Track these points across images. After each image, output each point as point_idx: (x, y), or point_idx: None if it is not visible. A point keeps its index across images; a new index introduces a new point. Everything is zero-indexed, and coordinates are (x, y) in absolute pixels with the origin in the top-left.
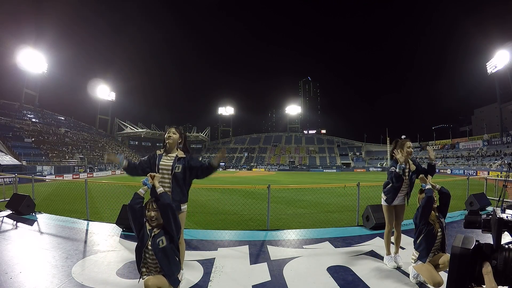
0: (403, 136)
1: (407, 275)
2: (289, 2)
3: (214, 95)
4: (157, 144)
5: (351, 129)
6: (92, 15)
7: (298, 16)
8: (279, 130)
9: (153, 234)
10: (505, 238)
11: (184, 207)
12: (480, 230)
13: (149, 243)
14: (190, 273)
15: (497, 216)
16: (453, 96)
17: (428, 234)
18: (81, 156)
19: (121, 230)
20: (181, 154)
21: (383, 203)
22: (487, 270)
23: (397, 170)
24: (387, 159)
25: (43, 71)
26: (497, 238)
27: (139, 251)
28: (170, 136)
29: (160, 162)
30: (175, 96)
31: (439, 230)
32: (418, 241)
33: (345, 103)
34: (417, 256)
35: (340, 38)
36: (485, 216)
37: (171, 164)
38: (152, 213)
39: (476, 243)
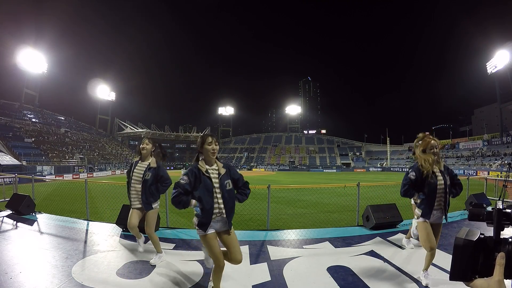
0: (427, 133)
1: (408, 275)
2: (289, 2)
3: (214, 95)
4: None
5: (351, 129)
6: (92, 15)
7: (298, 15)
8: (279, 130)
9: (220, 174)
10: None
11: (155, 205)
12: (485, 223)
13: (217, 183)
14: (190, 273)
15: (497, 207)
16: (453, 96)
17: (429, 190)
18: (81, 156)
19: (121, 230)
20: (153, 162)
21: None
22: (500, 261)
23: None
24: (387, 159)
25: (43, 71)
26: (497, 230)
27: (210, 199)
28: (144, 147)
29: (135, 170)
30: (175, 96)
31: (441, 184)
32: (419, 201)
33: (345, 103)
34: (420, 213)
35: (340, 38)
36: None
37: (143, 172)
38: (215, 146)
39: (481, 235)
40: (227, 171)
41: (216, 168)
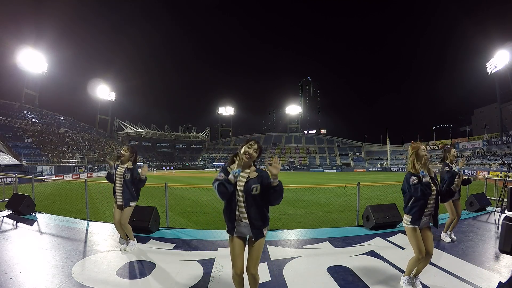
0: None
1: None
2: (289, 2)
3: (214, 95)
4: (157, 144)
5: (351, 129)
6: (92, 15)
7: (298, 16)
8: (279, 130)
9: (248, 178)
10: None
11: (133, 203)
12: None
13: (241, 188)
14: (190, 273)
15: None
16: (453, 96)
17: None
18: (81, 156)
19: None
20: (130, 165)
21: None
22: None
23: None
24: (387, 159)
25: (43, 71)
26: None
27: (232, 202)
28: (123, 154)
29: (116, 171)
30: (175, 96)
31: (433, 190)
32: (409, 204)
33: (345, 103)
34: (410, 219)
35: (340, 38)
36: None
37: (123, 173)
38: (247, 149)
39: None
40: (259, 176)
41: (248, 171)
